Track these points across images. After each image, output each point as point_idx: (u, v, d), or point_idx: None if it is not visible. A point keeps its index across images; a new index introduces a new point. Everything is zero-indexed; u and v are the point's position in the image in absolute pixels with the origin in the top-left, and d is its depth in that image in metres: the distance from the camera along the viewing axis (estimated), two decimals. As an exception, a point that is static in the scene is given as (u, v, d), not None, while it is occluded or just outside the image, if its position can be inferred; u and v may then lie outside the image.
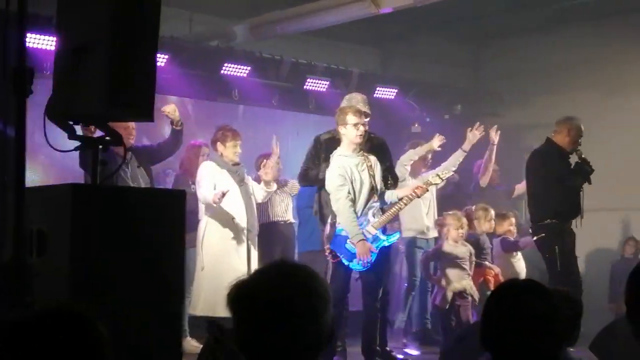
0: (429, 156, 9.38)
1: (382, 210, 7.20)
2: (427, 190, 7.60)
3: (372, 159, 7.13)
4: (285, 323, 1.95)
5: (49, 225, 3.84)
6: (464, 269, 8.29)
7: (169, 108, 7.49)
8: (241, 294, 2.01)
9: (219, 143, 7.90)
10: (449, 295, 8.21)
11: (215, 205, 7.59)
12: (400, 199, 7.26)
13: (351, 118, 7.01)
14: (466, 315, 8.16)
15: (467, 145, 9.41)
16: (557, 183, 7.71)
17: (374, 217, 7.10)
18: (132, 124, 7.29)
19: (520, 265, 8.97)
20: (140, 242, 3.95)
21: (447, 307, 8.22)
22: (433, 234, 9.36)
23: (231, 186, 7.76)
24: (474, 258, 8.42)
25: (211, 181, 7.74)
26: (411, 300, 9.39)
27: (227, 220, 7.75)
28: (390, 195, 7.25)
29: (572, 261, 7.65)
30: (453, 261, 8.31)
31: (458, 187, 10.21)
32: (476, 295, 8.19)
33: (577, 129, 7.87)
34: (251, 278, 2.03)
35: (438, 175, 7.59)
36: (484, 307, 2.61)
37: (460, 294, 8.22)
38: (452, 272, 8.30)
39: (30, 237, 3.82)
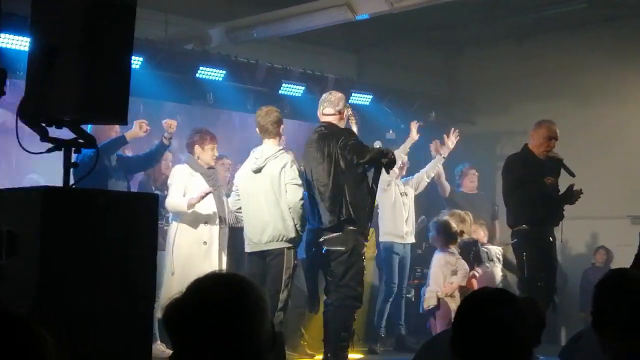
0: (405, 159, 9.46)
1: None
2: None
3: None
4: (221, 334, 1.93)
5: (20, 227, 3.81)
6: (444, 274, 8.29)
7: (173, 122, 7.79)
8: (175, 315, 1.98)
9: (197, 146, 7.82)
10: (433, 299, 8.21)
11: (188, 211, 7.57)
12: None
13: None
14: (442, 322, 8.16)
15: (445, 151, 9.55)
16: (517, 189, 7.65)
17: None
18: (117, 129, 7.43)
19: (496, 272, 8.97)
20: (111, 245, 3.93)
21: (429, 309, 8.24)
22: (411, 239, 9.42)
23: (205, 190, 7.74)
24: (461, 264, 8.35)
25: (181, 187, 7.68)
26: (389, 306, 9.38)
27: (198, 225, 7.69)
28: None
29: (542, 269, 7.52)
30: (435, 266, 8.36)
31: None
32: (452, 304, 8.14)
33: (545, 131, 7.77)
34: (184, 297, 2.00)
35: None
36: (454, 315, 2.62)
37: (440, 301, 8.23)
38: (435, 277, 8.33)
39: (0, 239, 3.79)
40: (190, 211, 7.55)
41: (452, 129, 9.66)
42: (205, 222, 7.67)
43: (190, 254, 7.59)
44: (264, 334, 1.99)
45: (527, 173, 7.63)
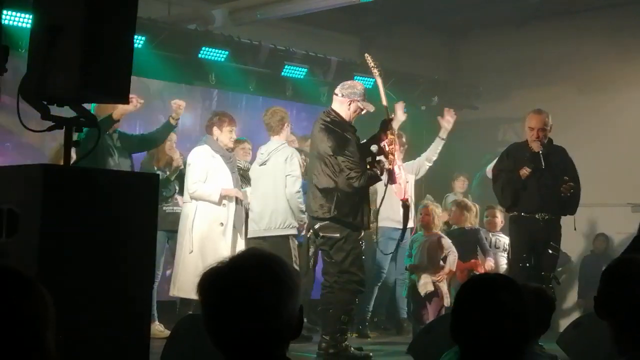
0: (403, 139, 9.24)
1: None
2: None
3: None
4: (252, 310, 1.97)
5: (20, 206, 3.80)
6: (439, 258, 8.32)
7: (182, 103, 7.90)
8: (210, 281, 2.02)
9: (215, 127, 8.03)
10: (429, 284, 8.20)
11: (216, 201, 7.82)
12: None
13: None
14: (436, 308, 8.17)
15: (443, 133, 9.29)
16: (498, 178, 7.79)
17: None
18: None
19: (499, 261, 9.00)
20: (111, 225, 3.92)
21: (426, 295, 8.22)
22: (410, 224, 9.33)
23: (224, 172, 7.89)
24: (452, 249, 8.34)
25: (204, 169, 7.82)
26: (376, 290, 9.31)
27: (216, 207, 7.84)
28: None
29: (526, 252, 7.51)
30: (429, 251, 8.37)
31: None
32: (442, 291, 8.18)
33: (527, 121, 7.74)
34: (221, 266, 2.04)
35: None
36: (454, 300, 2.62)
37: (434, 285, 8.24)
38: (432, 262, 8.34)
39: (0, 217, 3.79)
40: (217, 200, 7.83)
41: (446, 109, 9.49)
42: (223, 204, 7.85)
43: (208, 234, 7.84)
44: (290, 315, 2.02)
45: (510, 163, 7.71)
